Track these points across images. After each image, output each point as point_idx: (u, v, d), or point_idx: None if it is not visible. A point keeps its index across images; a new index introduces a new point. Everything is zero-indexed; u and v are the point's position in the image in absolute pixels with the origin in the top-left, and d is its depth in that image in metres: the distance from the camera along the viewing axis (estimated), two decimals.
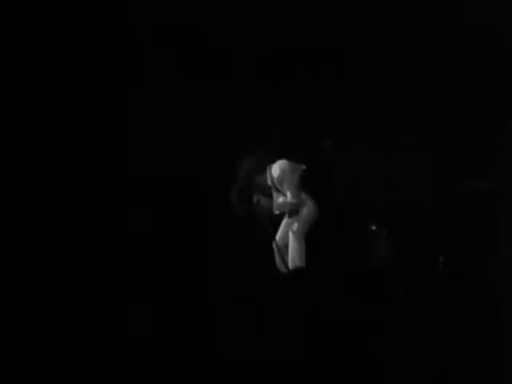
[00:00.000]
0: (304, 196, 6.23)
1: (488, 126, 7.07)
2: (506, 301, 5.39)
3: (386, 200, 6.86)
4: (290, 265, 6.21)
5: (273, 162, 6.27)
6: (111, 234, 6.52)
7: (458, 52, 7.12)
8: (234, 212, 6.37)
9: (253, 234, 6.41)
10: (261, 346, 4.83)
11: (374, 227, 6.62)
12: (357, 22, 7.13)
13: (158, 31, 7.08)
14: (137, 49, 7.09)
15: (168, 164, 7.03)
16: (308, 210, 6.22)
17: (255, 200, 6.29)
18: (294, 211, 6.23)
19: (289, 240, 6.26)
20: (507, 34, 6.93)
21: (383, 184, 6.99)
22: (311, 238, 6.23)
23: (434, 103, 7.19)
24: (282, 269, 6.21)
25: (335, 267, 5.96)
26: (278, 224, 6.36)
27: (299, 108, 7.27)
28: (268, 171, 6.26)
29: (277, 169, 6.22)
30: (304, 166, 6.25)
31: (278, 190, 6.26)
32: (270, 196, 6.32)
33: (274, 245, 6.30)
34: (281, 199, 6.26)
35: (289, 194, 6.19)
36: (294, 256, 6.20)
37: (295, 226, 6.21)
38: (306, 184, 6.24)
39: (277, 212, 6.28)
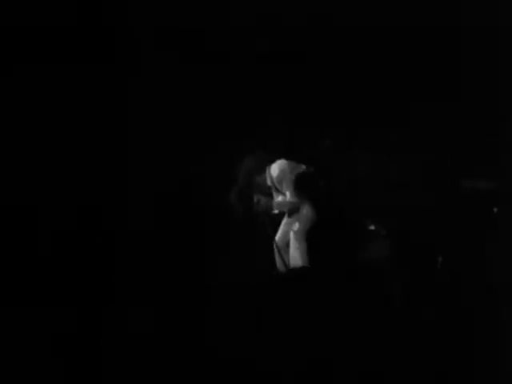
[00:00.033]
0: (304, 196, 6.23)
1: (488, 126, 7.07)
2: (506, 301, 5.38)
3: (385, 200, 6.86)
4: (291, 264, 6.20)
5: (272, 161, 6.27)
6: (111, 233, 6.52)
7: (458, 52, 7.12)
8: (234, 212, 6.37)
9: (253, 233, 6.41)
10: (261, 346, 4.83)
11: (372, 227, 6.62)
12: (357, 22, 7.14)
13: (158, 31, 7.09)
14: (137, 49, 7.09)
15: (168, 164, 7.03)
16: (308, 209, 6.22)
17: (255, 200, 6.29)
18: (293, 210, 6.23)
19: (289, 240, 6.26)
20: (507, 34, 6.93)
21: (383, 184, 6.99)
22: (311, 238, 6.22)
23: (434, 103, 7.19)
24: (282, 269, 6.21)
25: (335, 267, 5.97)
26: (278, 224, 6.36)
27: (299, 108, 7.27)
28: (267, 171, 6.26)
29: (276, 169, 6.22)
30: (304, 166, 6.25)
31: (277, 190, 6.26)
32: (270, 196, 6.32)
33: (274, 245, 6.30)
34: (280, 198, 6.26)
35: (288, 194, 6.19)
36: (294, 256, 6.20)
37: (296, 225, 6.21)
38: (305, 184, 6.23)
39: (276, 211, 6.28)
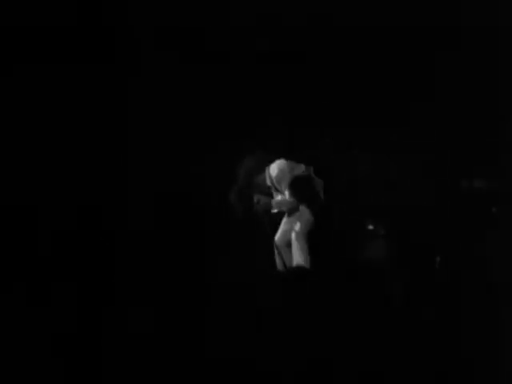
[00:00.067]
0: (304, 196, 6.23)
1: (488, 126, 7.07)
2: (506, 301, 5.39)
3: (385, 200, 6.86)
4: (293, 265, 6.20)
5: (271, 161, 6.27)
6: (111, 233, 6.52)
7: (458, 52, 7.12)
8: (234, 212, 6.37)
9: (253, 233, 6.41)
10: (261, 346, 4.83)
11: (371, 226, 6.62)
12: (357, 22, 7.14)
13: (158, 31, 7.09)
14: (137, 49, 7.09)
15: (168, 164, 7.03)
16: (308, 210, 6.22)
17: (255, 200, 6.28)
18: (293, 210, 6.23)
19: (289, 239, 6.25)
20: (507, 34, 6.93)
21: (383, 184, 6.99)
22: (311, 238, 6.22)
23: (434, 103, 7.19)
24: (282, 269, 6.21)
25: (335, 267, 5.97)
26: (278, 223, 6.36)
27: (299, 108, 7.27)
28: (267, 171, 6.26)
29: (275, 168, 6.21)
30: (304, 166, 6.25)
31: (276, 190, 6.26)
32: (271, 196, 6.32)
33: (274, 244, 6.31)
34: (280, 197, 6.26)
35: (287, 193, 6.19)
36: (296, 256, 6.19)
37: (297, 225, 6.21)
38: (305, 184, 6.23)
39: (275, 210, 6.28)
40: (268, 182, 6.27)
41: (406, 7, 7.06)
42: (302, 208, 6.22)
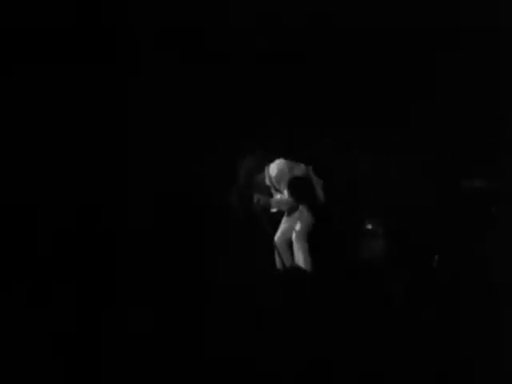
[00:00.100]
0: (303, 195, 6.22)
1: (488, 126, 7.07)
2: (506, 301, 5.39)
3: (385, 200, 6.86)
4: (293, 264, 6.20)
5: (271, 161, 6.27)
6: (111, 233, 6.52)
7: (458, 52, 7.12)
8: (234, 212, 6.37)
9: (253, 233, 6.41)
10: (261, 346, 4.83)
11: (371, 226, 6.62)
12: (357, 22, 7.14)
13: (158, 31, 7.09)
14: (137, 49, 7.09)
15: (168, 164, 7.03)
16: (308, 209, 6.22)
17: (255, 199, 6.28)
18: (293, 209, 6.23)
19: (289, 238, 6.25)
20: (507, 33, 6.93)
21: (383, 184, 6.99)
22: (311, 238, 6.22)
23: (434, 103, 7.19)
24: (282, 268, 6.21)
25: (335, 267, 5.97)
26: (278, 223, 6.36)
27: (299, 108, 7.27)
28: (266, 171, 6.26)
29: (274, 168, 6.22)
30: (303, 165, 6.25)
31: (276, 190, 6.26)
32: (271, 196, 6.32)
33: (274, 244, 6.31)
34: (279, 197, 6.26)
35: (286, 193, 6.19)
36: (297, 256, 6.19)
37: (298, 225, 6.21)
38: (304, 183, 6.23)
39: (274, 209, 6.28)
40: (267, 182, 6.27)
41: (406, 7, 7.06)
42: (302, 208, 6.22)
